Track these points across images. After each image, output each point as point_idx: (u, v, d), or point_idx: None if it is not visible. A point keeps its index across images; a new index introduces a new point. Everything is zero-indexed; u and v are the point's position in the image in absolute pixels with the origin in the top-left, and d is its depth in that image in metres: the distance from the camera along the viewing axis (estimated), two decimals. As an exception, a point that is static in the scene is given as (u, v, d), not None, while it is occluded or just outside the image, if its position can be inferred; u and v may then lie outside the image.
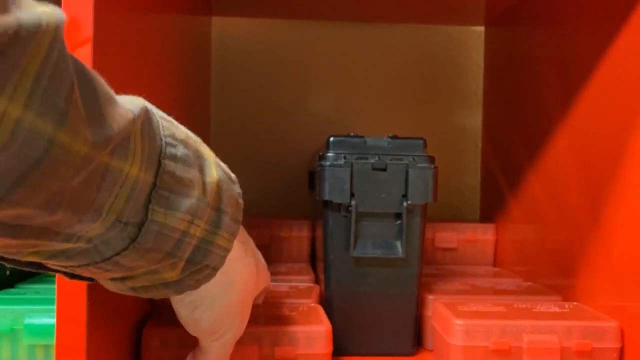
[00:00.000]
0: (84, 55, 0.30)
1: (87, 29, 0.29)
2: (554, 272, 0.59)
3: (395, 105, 0.87)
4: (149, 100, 0.27)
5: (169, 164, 0.26)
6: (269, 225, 0.70)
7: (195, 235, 0.28)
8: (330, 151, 0.51)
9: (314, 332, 0.44)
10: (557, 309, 0.49)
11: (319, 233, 0.58)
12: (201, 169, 0.28)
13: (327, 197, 0.50)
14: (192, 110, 0.70)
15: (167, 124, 0.27)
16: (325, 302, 0.52)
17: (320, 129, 0.85)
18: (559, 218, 0.58)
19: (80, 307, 0.31)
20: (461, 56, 0.87)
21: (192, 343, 0.37)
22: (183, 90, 0.63)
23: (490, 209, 0.79)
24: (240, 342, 0.38)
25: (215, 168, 0.29)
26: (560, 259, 0.57)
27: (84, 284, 0.31)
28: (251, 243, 0.37)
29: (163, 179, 0.26)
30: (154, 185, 0.26)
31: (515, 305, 0.50)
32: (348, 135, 0.52)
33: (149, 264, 0.27)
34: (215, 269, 0.31)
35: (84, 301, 0.31)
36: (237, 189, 0.32)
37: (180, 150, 0.27)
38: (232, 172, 0.32)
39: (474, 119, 0.86)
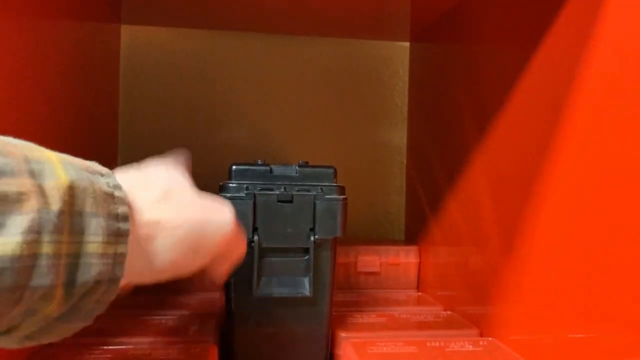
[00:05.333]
0: None
1: None
2: (473, 300, 0.57)
3: (320, 121, 0.83)
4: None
5: None
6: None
7: (60, 254, 0.23)
8: (232, 181, 0.47)
9: None
10: (470, 347, 0.47)
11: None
12: (34, 175, 0.23)
13: (227, 233, 0.45)
14: (95, 119, 0.64)
15: None
16: (228, 345, 0.48)
17: (237, 142, 0.81)
18: (475, 244, 0.56)
19: None
20: (387, 72, 0.85)
21: None
22: (82, 97, 0.57)
23: (415, 230, 0.77)
24: None
25: (62, 169, 0.25)
26: (478, 287, 0.56)
27: None
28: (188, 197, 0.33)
29: None
30: None
31: (428, 344, 0.47)
32: (254, 163, 0.48)
33: (10, 308, 0.22)
34: (114, 281, 0.26)
35: None
36: (111, 181, 0.27)
37: None
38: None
39: (399, 136, 0.84)
